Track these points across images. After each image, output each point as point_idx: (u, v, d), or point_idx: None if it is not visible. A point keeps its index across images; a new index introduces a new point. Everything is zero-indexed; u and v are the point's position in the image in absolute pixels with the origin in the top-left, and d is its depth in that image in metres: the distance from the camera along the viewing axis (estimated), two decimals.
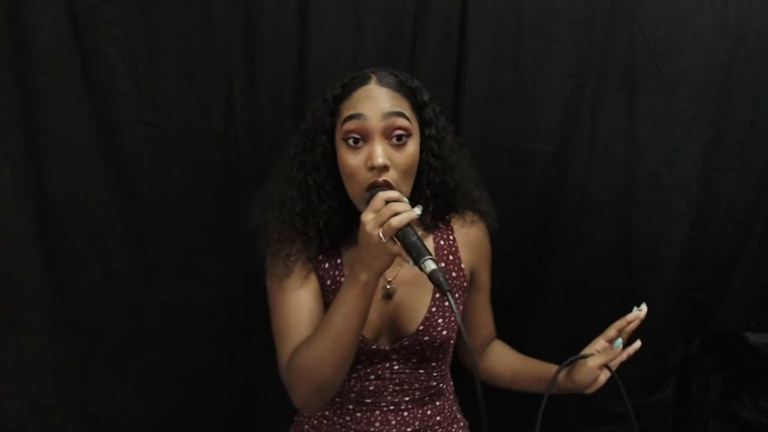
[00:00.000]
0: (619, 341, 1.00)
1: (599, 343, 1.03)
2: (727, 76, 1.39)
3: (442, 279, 0.79)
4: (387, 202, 0.86)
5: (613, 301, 1.44)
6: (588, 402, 1.45)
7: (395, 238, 0.84)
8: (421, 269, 0.81)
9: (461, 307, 1.11)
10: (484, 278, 1.18)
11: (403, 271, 1.07)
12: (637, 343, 1.00)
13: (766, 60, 1.39)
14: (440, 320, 1.06)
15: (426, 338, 1.05)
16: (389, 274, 1.05)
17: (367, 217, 0.85)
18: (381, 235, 0.83)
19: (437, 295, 1.06)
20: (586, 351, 1.03)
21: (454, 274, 1.09)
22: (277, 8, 1.26)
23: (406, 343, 1.05)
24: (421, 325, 1.04)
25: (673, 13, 1.35)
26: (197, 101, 1.27)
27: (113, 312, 1.31)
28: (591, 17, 1.34)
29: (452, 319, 1.07)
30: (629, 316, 1.01)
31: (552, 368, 1.05)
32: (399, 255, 0.85)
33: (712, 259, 1.47)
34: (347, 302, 0.89)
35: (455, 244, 1.11)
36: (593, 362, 0.99)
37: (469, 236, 1.13)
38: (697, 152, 1.41)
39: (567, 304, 1.44)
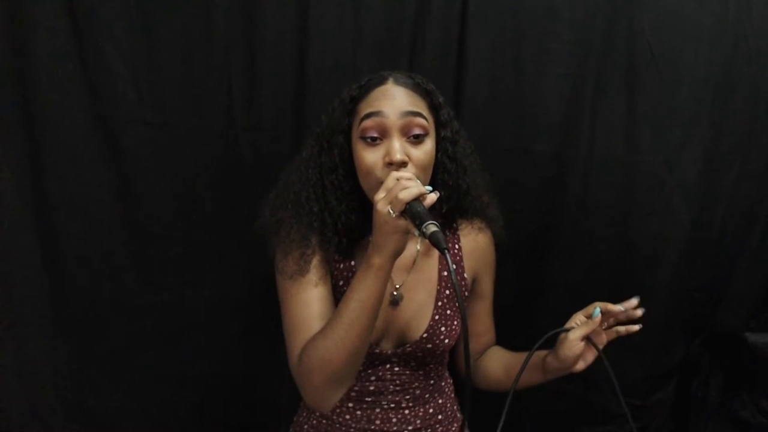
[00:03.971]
0: (597, 311, 1.00)
1: (578, 317, 1.03)
2: (727, 76, 1.39)
3: (441, 238, 0.80)
4: (399, 180, 0.86)
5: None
6: (588, 402, 1.46)
7: (404, 215, 0.84)
8: (423, 234, 0.81)
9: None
10: (487, 287, 1.19)
11: (410, 279, 1.07)
12: (634, 327, 1.00)
13: (766, 60, 1.39)
14: (443, 329, 1.06)
15: (429, 346, 1.05)
16: (397, 280, 1.06)
17: (379, 196, 0.86)
18: (390, 210, 0.84)
19: (440, 304, 1.07)
20: (567, 325, 1.03)
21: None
22: (277, 8, 1.26)
23: (409, 349, 1.05)
24: (425, 333, 1.05)
25: (673, 13, 1.35)
26: (197, 101, 1.27)
27: (113, 312, 1.31)
28: (591, 17, 1.34)
29: (454, 326, 1.07)
30: (613, 307, 1.00)
31: (542, 353, 1.06)
32: (408, 231, 0.85)
33: (712, 259, 1.47)
34: (361, 288, 0.89)
35: (459, 254, 1.12)
36: (573, 335, 0.99)
37: (475, 244, 1.13)
38: (697, 152, 1.41)
39: (567, 304, 1.42)
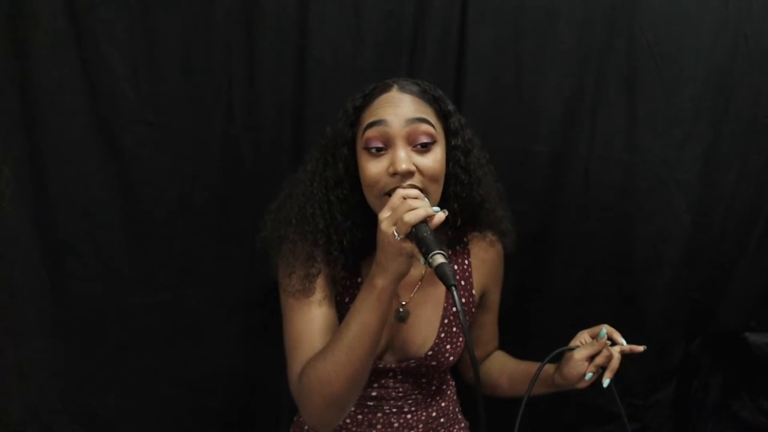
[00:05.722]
0: (604, 332, 0.98)
1: (584, 335, 1.02)
2: (727, 76, 1.39)
3: (448, 272, 0.76)
4: (405, 199, 0.83)
5: (613, 301, 1.44)
6: (588, 402, 1.46)
7: (410, 237, 0.80)
8: (429, 265, 0.77)
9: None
10: (495, 298, 1.18)
11: (417, 295, 1.05)
12: (638, 347, 0.99)
13: (766, 60, 1.39)
14: (448, 346, 1.05)
15: (433, 363, 1.04)
16: (404, 297, 1.04)
17: (384, 215, 0.82)
18: (395, 232, 0.80)
19: (446, 321, 1.05)
20: (572, 343, 1.02)
21: (463, 300, 1.08)
22: (277, 8, 1.26)
23: (413, 365, 1.04)
24: (430, 350, 1.04)
25: (673, 13, 1.35)
26: (197, 101, 1.27)
27: (113, 312, 1.31)
28: (591, 17, 1.34)
29: (458, 344, 1.06)
30: (620, 337, 0.99)
31: (549, 369, 1.05)
32: (413, 255, 0.81)
33: (712, 259, 1.47)
34: (363, 310, 0.85)
35: (469, 269, 1.10)
36: (579, 354, 0.98)
37: (485, 259, 1.12)
38: (697, 152, 1.41)
39: (567, 304, 1.43)
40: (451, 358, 1.05)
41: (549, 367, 1.04)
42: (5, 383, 1.26)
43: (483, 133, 1.34)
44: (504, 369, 1.16)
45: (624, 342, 0.98)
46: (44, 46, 1.19)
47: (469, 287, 1.09)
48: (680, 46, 1.36)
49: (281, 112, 1.30)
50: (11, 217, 1.22)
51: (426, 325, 1.05)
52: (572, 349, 1.00)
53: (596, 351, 0.98)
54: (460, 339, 1.06)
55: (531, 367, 1.08)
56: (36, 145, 1.22)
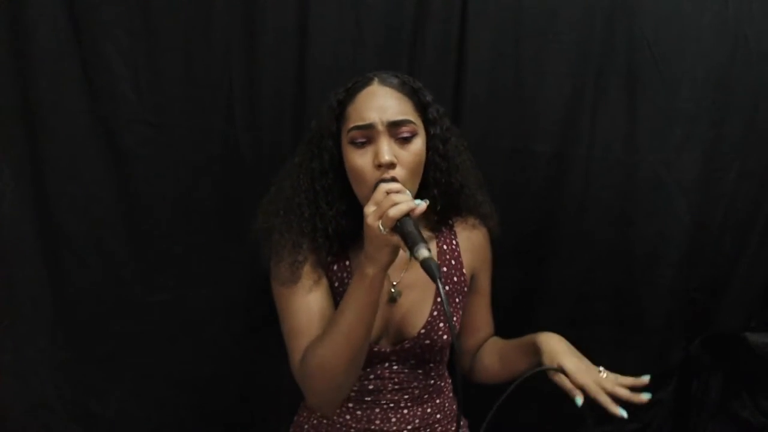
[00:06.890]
0: (579, 401, 0.97)
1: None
2: (727, 76, 1.39)
3: (433, 266, 0.79)
4: (388, 194, 0.86)
5: (613, 301, 1.44)
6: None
7: (395, 231, 0.84)
8: (416, 258, 0.81)
9: (461, 312, 1.12)
10: (484, 282, 1.19)
11: (407, 275, 1.07)
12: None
13: (766, 60, 1.39)
14: (441, 324, 1.06)
15: (427, 342, 1.06)
16: (394, 278, 1.06)
17: (369, 210, 0.86)
18: (381, 226, 0.84)
19: (438, 300, 1.06)
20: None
21: (455, 279, 1.10)
22: (277, 8, 1.26)
23: (407, 346, 1.05)
24: (422, 329, 1.05)
25: (673, 13, 1.35)
26: (197, 101, 1.27)
27: (113, 312, 1.31)
28: (591, 17, 1.34)
29: (453, 322, 1.07)
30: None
31: (528, 337, 1.06)
32: (399, 246, 0.85)
33: (712, 259, 1.47)
34: (356, 298, 0.90)
35: (458, 249, 1.12)
36: (557, 377, 0.98)
37: (471, 241, 1.14)
38: (697, 152, 1.41)
39: (567, 304, 1.43)
40: (445, 337, 1.07)
41: (530, 337, 1.05)
42: (5, 383, 1.27)
43: (483, 133, 1.35)
44: (495, 351, 1.18)
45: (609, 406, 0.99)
46: (44, 46, 1.19)
47: (459, 266, 1.11)
48: (680, 46, 1.37)
49: (281, 113, 1.31)
50: (11, 217, 1.22)
51: (417, 304, 1.07)
52: (556, 370, 0.99)
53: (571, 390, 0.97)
54: (454, 318, 1.08)
55: (520, 342, 1.10)
56: (36, 145, 1.22)
